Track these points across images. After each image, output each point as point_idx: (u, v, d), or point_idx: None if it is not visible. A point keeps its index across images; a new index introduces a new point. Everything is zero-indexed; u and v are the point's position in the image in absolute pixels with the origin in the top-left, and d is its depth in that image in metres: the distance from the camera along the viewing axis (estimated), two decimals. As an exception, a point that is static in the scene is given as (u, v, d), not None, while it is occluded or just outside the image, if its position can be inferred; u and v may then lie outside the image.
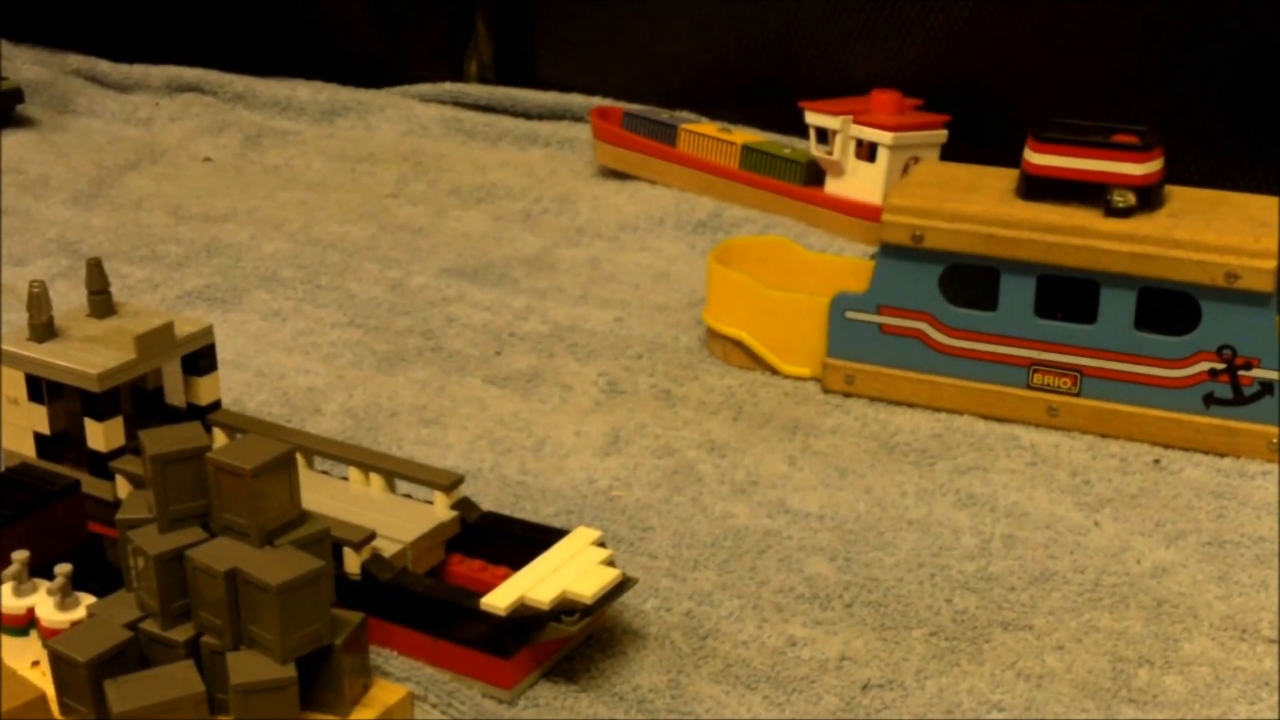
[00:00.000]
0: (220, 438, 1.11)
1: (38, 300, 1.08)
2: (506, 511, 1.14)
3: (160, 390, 1.12)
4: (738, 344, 1.42)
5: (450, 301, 1.57)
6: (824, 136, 1.70)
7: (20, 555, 0.93)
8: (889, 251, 1.32)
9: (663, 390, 1.39)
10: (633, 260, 1.69)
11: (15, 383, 1.08)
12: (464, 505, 1.06)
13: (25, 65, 2.36)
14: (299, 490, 0.87)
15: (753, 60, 2.00)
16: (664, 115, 1.90)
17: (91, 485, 1.06)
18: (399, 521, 1.04)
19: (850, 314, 1.36)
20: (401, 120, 2.11)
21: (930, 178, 1.37)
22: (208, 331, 1.12)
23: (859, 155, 1.69)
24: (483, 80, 2.17)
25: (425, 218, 1.81)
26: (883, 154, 1.66)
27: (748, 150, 1.78)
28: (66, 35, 2.41)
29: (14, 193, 1.90)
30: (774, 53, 1.97)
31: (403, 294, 1.59)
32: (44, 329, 1.08)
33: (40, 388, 1.07)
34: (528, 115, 2.08)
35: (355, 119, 2.13)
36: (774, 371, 1.42)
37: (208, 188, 1.92)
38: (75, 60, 2.37)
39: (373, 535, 0.99)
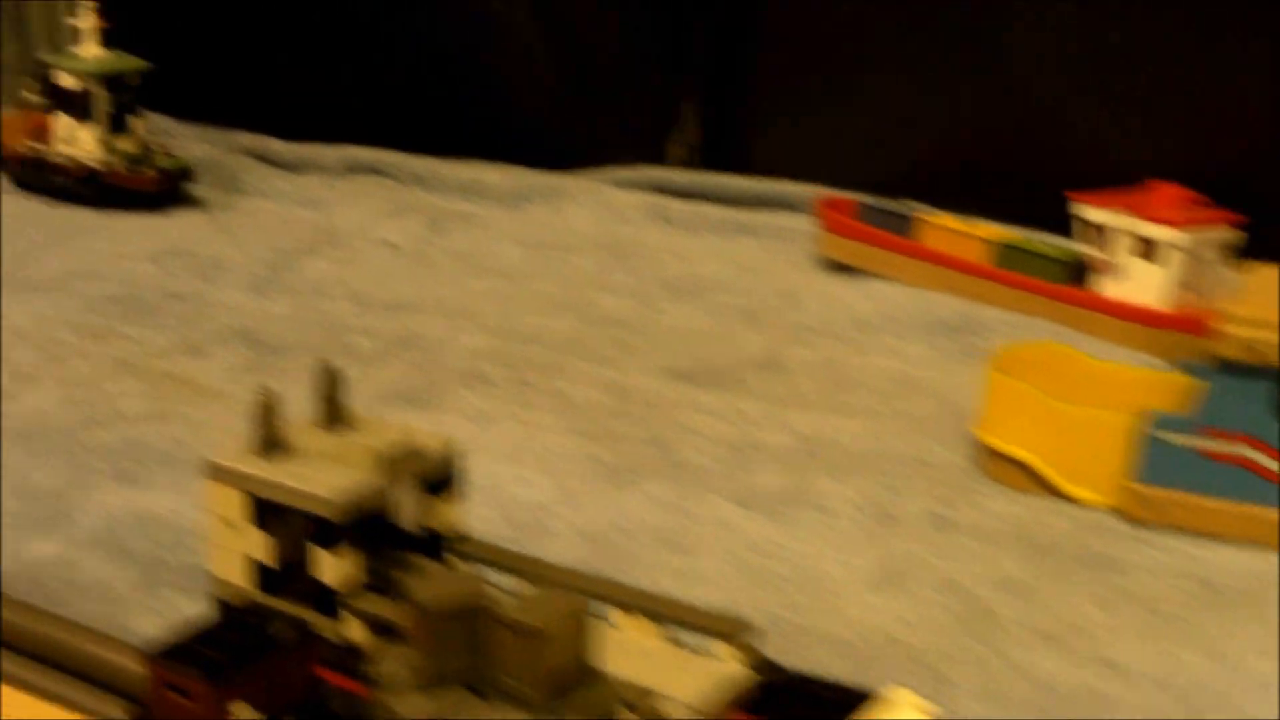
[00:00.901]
0: (461, 566, 0.96)
1: (267, 411, 0.94)
2: (773, 655, 0.97)
3: (396, 516, 0.97)
4: (1019, 464, 1.25)
5: (677, 406, 1.42)
6: (1093, 233, 1.54)
7: (242, 712, 0.79)
8: (1221, 367, 1.15)
9: (936, 515, 1.23)
10: (874, 364, 1.53)
11: (232, 503, 0.94)
12: (756, 658, 0.89)
13: (192, 143, 2.28)
14: (588, 649, 0.73)
15: (991, 147, 1.86)
16: (899, 206, 1.74)
17: (318, 624, 0.90)
18: (680, 677, 0.87)
19: (1164, 435, 1.19)
20: (597, 206, 1.98)
21: (1268, 285, 1.20)
22: (453, 449, 0.97)
23: (1136, 254, 1.52)
24: (687, 165, 2.03)
25: (634, 312, 1.67)
26: (1170, 254, 1.49)
27: (1003, 246, 1.62)
28: (235, 113, 2.32)
29: (186, 276, 1.79)
30: (1017, 139, 1.82)
31: (622, 397, 1.44)
32: (271, 443, 0.94)
33: (263, 510, 0.92)
34: (738, 203, 1.94)
35: (546, 204, 2.01)
36: (1061, 496, 1.24)
37: (392, 274, 1.80)
38: (244, 139, 2.29)
39: (651, 694, 0.83)
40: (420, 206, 2.04)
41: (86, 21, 2.12)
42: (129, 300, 1.73)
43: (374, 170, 2.16)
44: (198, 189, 2.14)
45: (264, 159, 2.26)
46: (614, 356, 1.56)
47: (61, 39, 2.55)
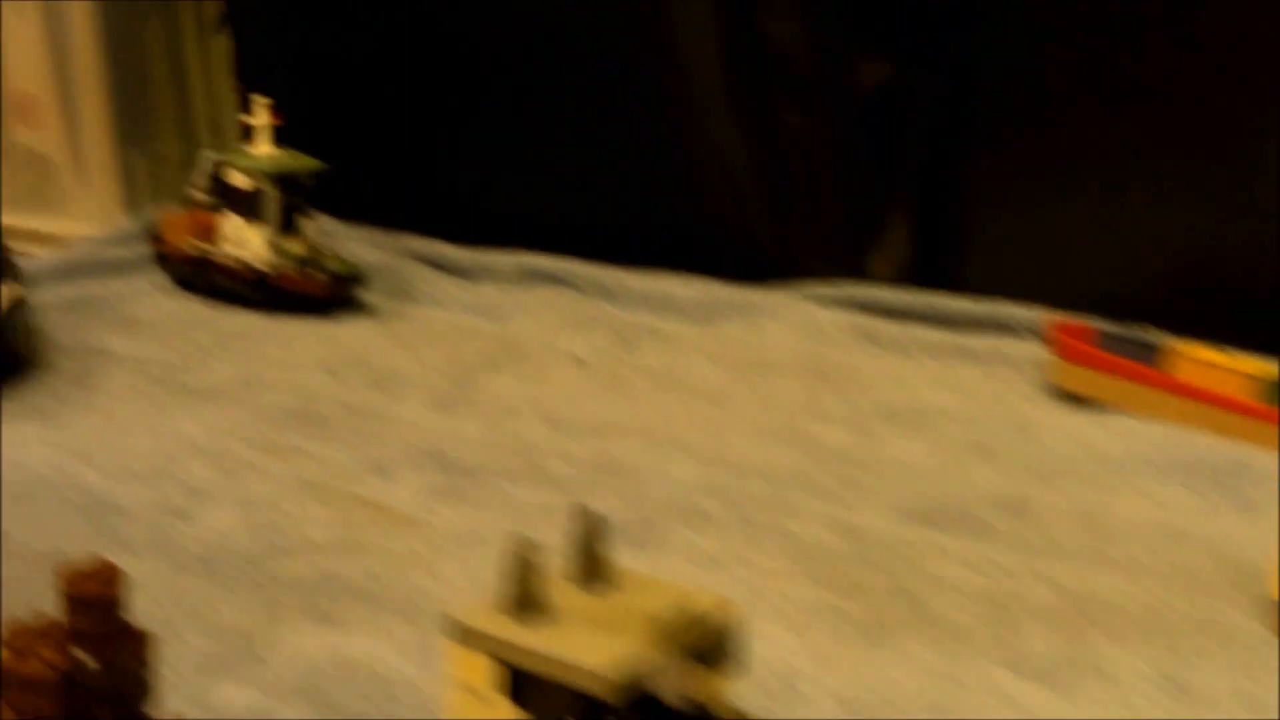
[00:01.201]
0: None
1: (523, 565, 0.81)
2: None
3: (666, 689, 0.84)
4: (1335, 637, 1.09)
5: (921, 554, 1.28)
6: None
7: None
8: None
9: (1245, 695, 1.07)
10: (1134, 512, 1.38)
11: (480, 670, 0.81)
12: None
13: (357, 246, 2.19)
14: None
15: (1236, 267, 1.70)
16: (1144, 334, 1.60)
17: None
18: None
19: None
20: (797, 324, 1.85)
21: None
22: (733, 616, 0.84)
23: None
24: (894, 282, 1.90)
25: (854, 443, 1.54)
26: None
27: (1273, 383, 1.47)
28: (402, 215, 2.23)
29: (363, 389, 1.69)
30: (1266, 259, 1.66)
31: (858, 541, 1.31)
32: (526, 602, 0.81)
33: (519, 681, 0.79)
34: (953, 324, 1.80)
35: (741, 320, 1.88)
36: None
37: (583, 393, 1.69)
38: (413, 243, 2.20)
39: None
40: (605, 319, 1.92)
41: (260, 118, 2.05)
42: (305, 414, 1.63)
43: (553, 279, 2.05)
44: (366, 295, 2.05)
45: (435, 264, 2.16)
46: (840, 493, 1.42)
47: (225, 136, 2.50)
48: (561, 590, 0.86)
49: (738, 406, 1.66)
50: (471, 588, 1.22)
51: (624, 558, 1.27)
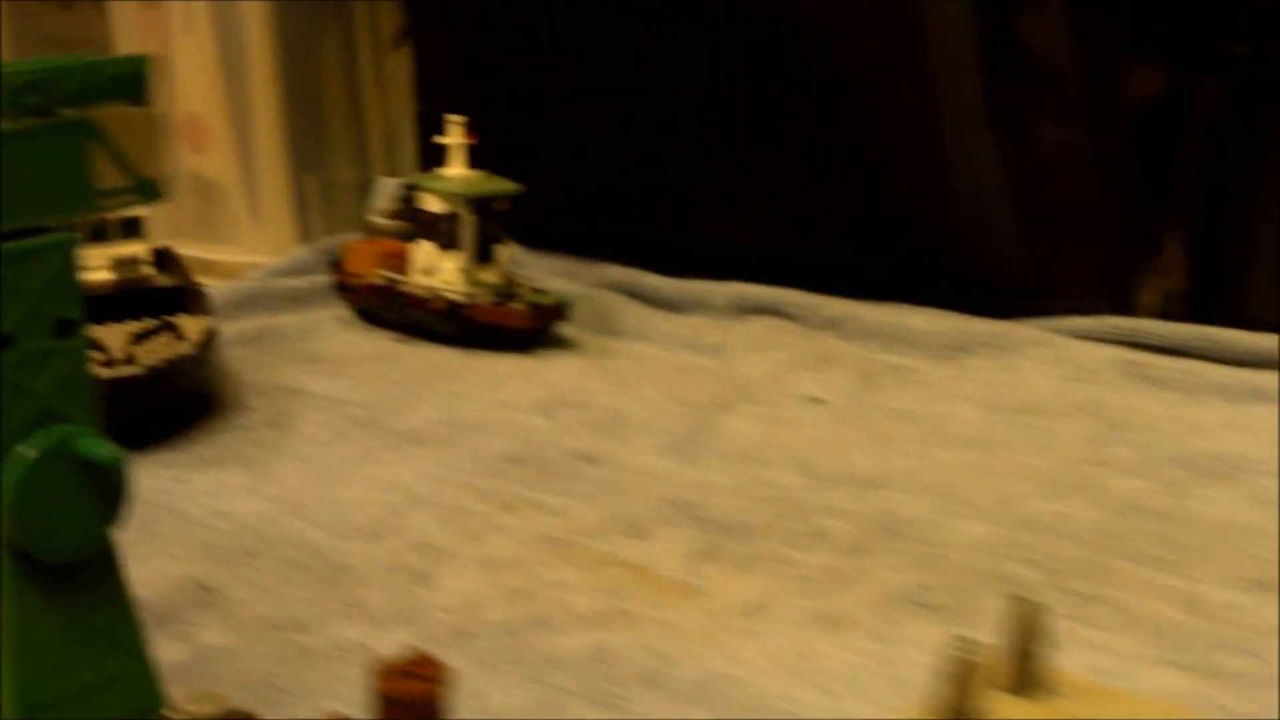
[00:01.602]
0: None
1: (964, 672, 0.65)
2: None
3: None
4: None
5: (1285, 632, 1.09)
6: None
7: None
8: None
9: None
10: None
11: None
12: None
13: (551, 276, 2.04)
14: None
15: None
16: None
17: None
18: None
19: None
20: (1056, 361, 1.68)
21: None
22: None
23: None
24: (1164, 314, 1.72)
25: (1159, 498, 1.36)
26: None
27: None
28: (598, 243, 2.08)
29: (586, 433, 1.54)
30: None
31: (1208, 616, 1.14)
32: (963, 712, 0.65)
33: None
34: (1240, 362, 1.61)
35: (990, 357, 1.71)
36: None
37: (831, 437, 1.52)
38: (613, 272, 2.05)
39: None
40: (839, 356, 1.76)
41: (454, 138, 1.91)
42: (531, 461, 1.48)
43: (772, 311, 1.89)
44: (565, 328, 1.90)
45: (637, 295, 2.01)
46: (1166, 558, 1.24)
47: (400, 158, 2.37)
48: (998, 701, 0.70)
49: (1012, 454, 1.48)
50: (773, 667, 1.06)
51: (932, 630, 1.11)
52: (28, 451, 0.82)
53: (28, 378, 0.82)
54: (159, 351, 1.57)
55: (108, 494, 0.85)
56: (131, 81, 0.86)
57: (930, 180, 1.77)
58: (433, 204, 1.91)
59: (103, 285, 1.78)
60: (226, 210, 2.29)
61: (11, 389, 0.82)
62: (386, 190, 2.26)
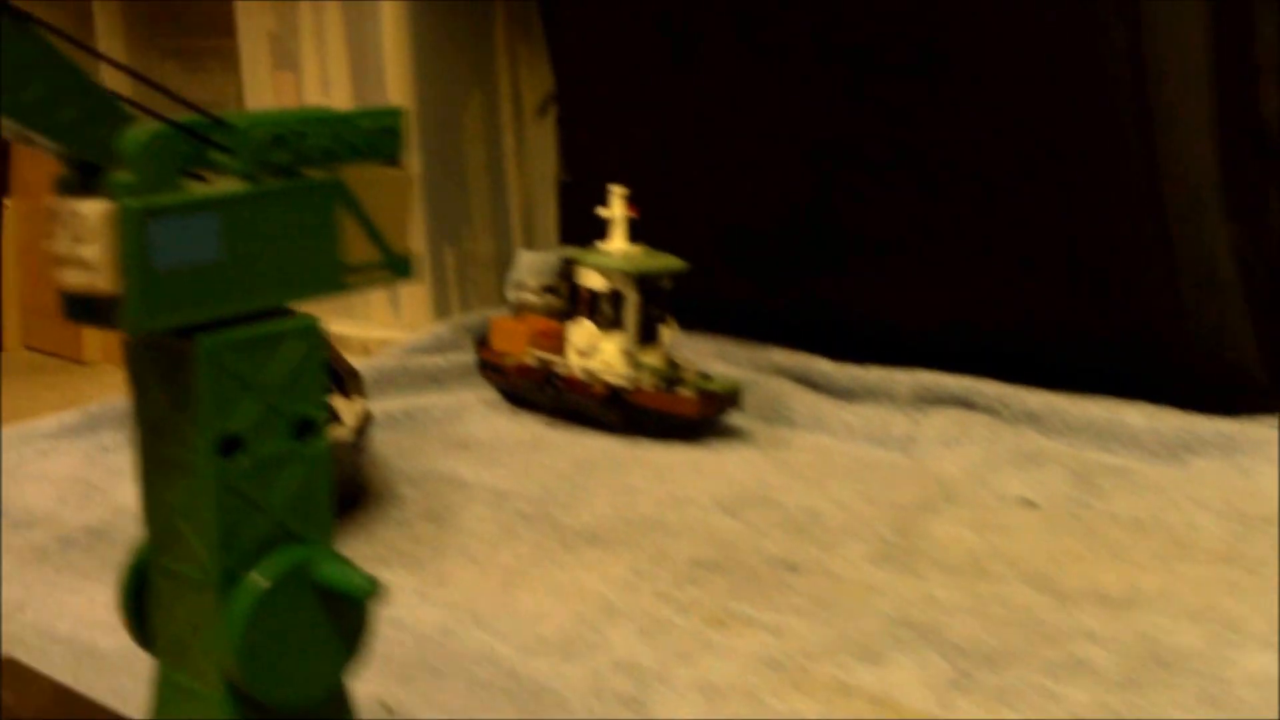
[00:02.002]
0: None
1: None
2: None
3: None
4: None
5: None
6: None
7: None
8: None
9: None
10: None
11: None
12: None
13: (709, 360, 1.90)
14: None
15: None
16: None
17: None
18: None
19: None
20: (1297, 464, 1.51)
21: None
22: None
23: None
24: None
25: None
26: None
27: None
28: (760, 325, 1.94)
29: (782, 535, 1.39)
30: None
31: None
32: None
33: None
34: None
35: (1220, 458, 1.55)
36: None
37: (1056, 547, 1.37)
38: (777, 356, 1.91)
39: None
40: (1045, 454, 1.60)
41: (616, 211, 1.78)
42: (729, 567, 1.34)
43: (963, 403, 1.74)
44: (732, 416, 1.76)
45: (806, 382, 1.86)
46: None
47: (540, 232, 2.25)
48: None
49: (1268, 569, 1.32)
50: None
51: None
52: (259, 579, 0.68)
53: (259, 488, 0.69)
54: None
55: (349, 629, 0.71)
56: (386, 138, 0.73)
57: (1153, 262, 1.62)
58: (592, 280, 1.78)
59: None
60: (359, 282, 2.17)
61: (240, 502, 0.68)
62: (528, 265, 2.13)
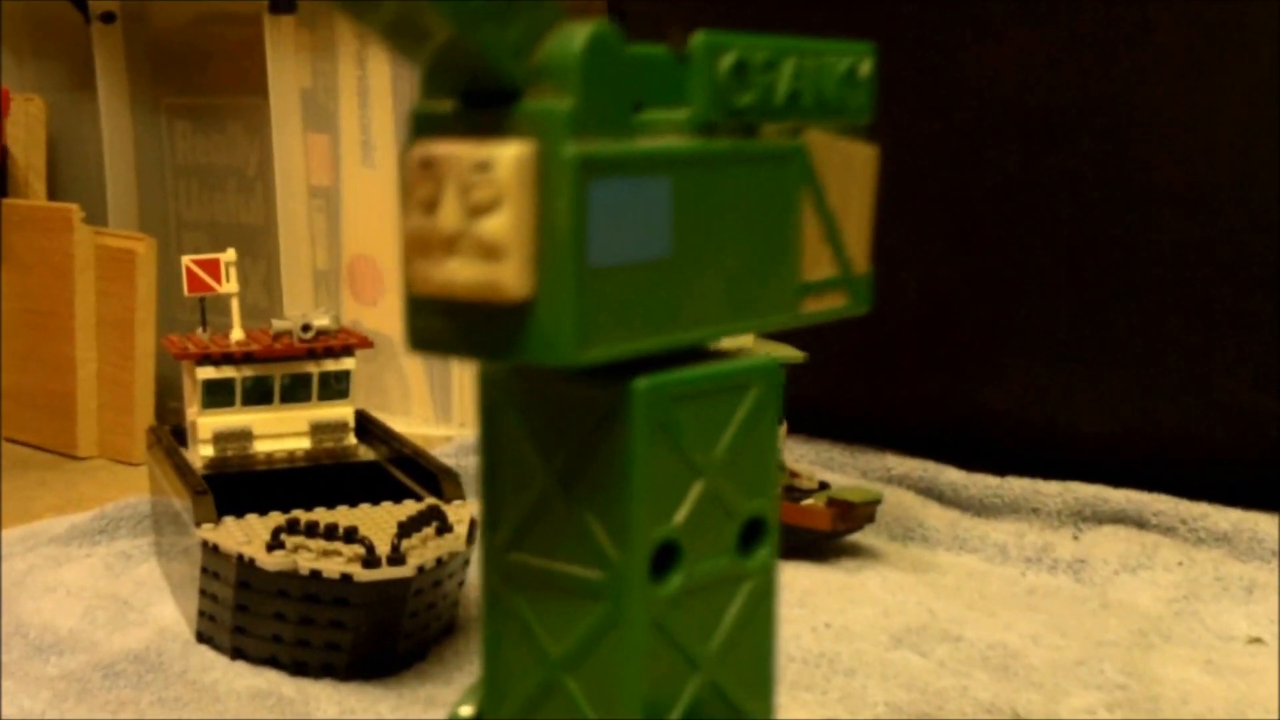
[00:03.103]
0: None
1: None
2: None
3: None
4: None
5: None
6: None
7: None
8: None
9: None
10: None
11: None
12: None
13: (815, 467, 1.65)
14: None
15: None
16: None
17: None
18: None
19: None
20: None
21: None
22: None
23: None
24: None
25: None
26: None
27: None
28: (872, 428, 1.70)
29: (987, 677, 1.15)
30: None
31: None
32: None
33: None
34: None
35: None
36: None
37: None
38: (895, 463, 1.66)
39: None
40: (1248, 580, 1.37)
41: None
42: (942, 716, 1.07)
43: (1132, 520, 1.50)
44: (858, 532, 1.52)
45: (933, 494, 1.62)
46: None
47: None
48: None
49: None
50: None
51: None
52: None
53: (693, 628, 0.43)
54: (430, 546, 1.17)
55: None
56: (854, 88, 0.48)
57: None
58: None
59: (301, 456, 1.40)
60: (397, 372, 1.90)
61: (669, 649, 0.42)
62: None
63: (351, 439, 1.44)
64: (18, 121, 2.14)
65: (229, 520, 1.23)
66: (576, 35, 0.39)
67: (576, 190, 0.38)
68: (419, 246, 0.39)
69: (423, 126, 0.41)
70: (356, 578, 1.12)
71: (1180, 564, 1.41)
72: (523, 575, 0.44)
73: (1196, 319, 1.52)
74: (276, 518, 1.23)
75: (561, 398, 0.42)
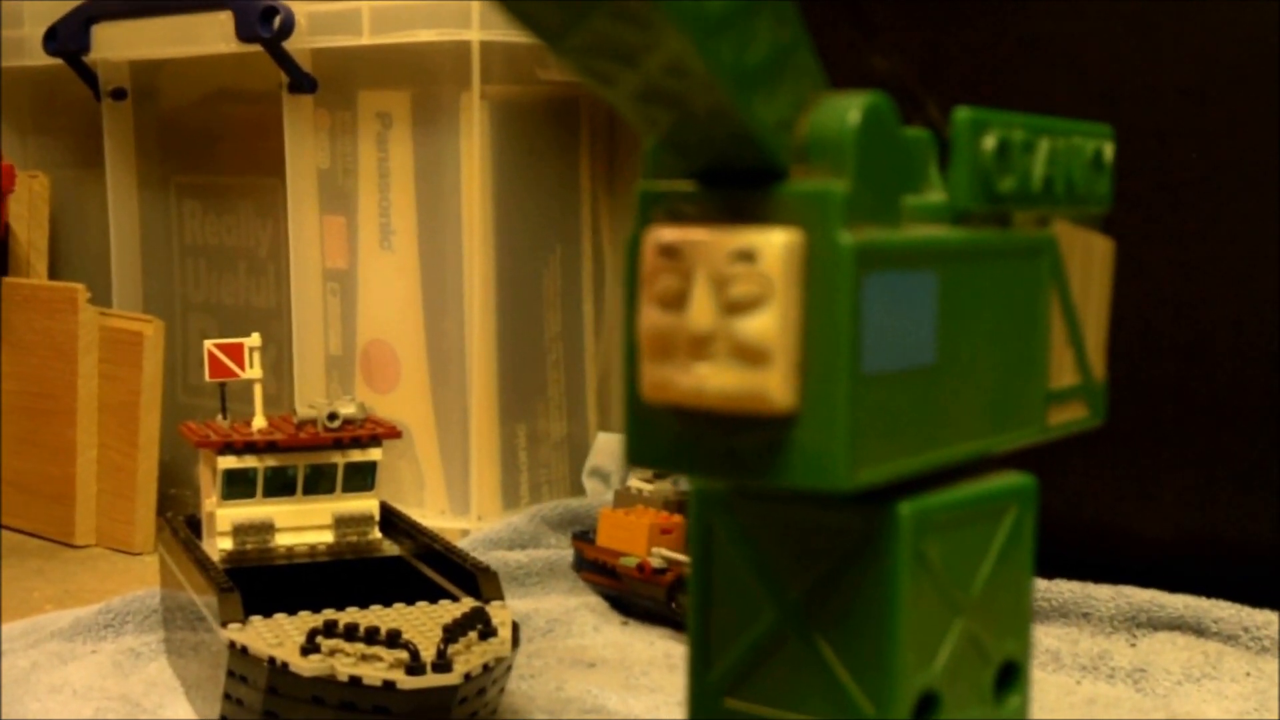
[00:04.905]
0: None
1: None
2: None
3: None
4: None
5: None
6: None
7: None
8: None
9: None
10: None
11: None
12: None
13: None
14: None
15: None
16: None
17: None
18: None
19: None
20: None
21: None
22: None
23: None
24: None
25: None
26: None
27: None
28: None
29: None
30: None
31: None
32: None
33: None
34: None
35: None
36: None
37: None
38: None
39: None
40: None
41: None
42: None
43: (1185, 627, 1.44)
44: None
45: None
46: None
47: (615, 413, 1.94)
48: None
49: None
50: None
51: None
52: None
53: None
54: (475, 651, 1.10)
55: None
56: (1101, 175, 0.43)
57: None
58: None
59: (324, 551, 1.33)
60: (411, 461, 1.83)
61: None
62: (606, 448, 1.82)
63: (376, 533, 1.37)
64: (20, 199, 2.08)
65: (256, 620, 1.16)
66: (850, 109, 0.34)
67: (854, 284, 0.32)
68: (660, 347, 0.34)
69: (656, 209, 0.35)
70: (400, 685, 1.05)
71: (1248, 675, 1.35)
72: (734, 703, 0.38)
73: (1255, 420, 1.47)
74: (308, 618, 1.16)
75: (802, 523, 0.36)
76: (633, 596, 1.54)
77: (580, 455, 1.90)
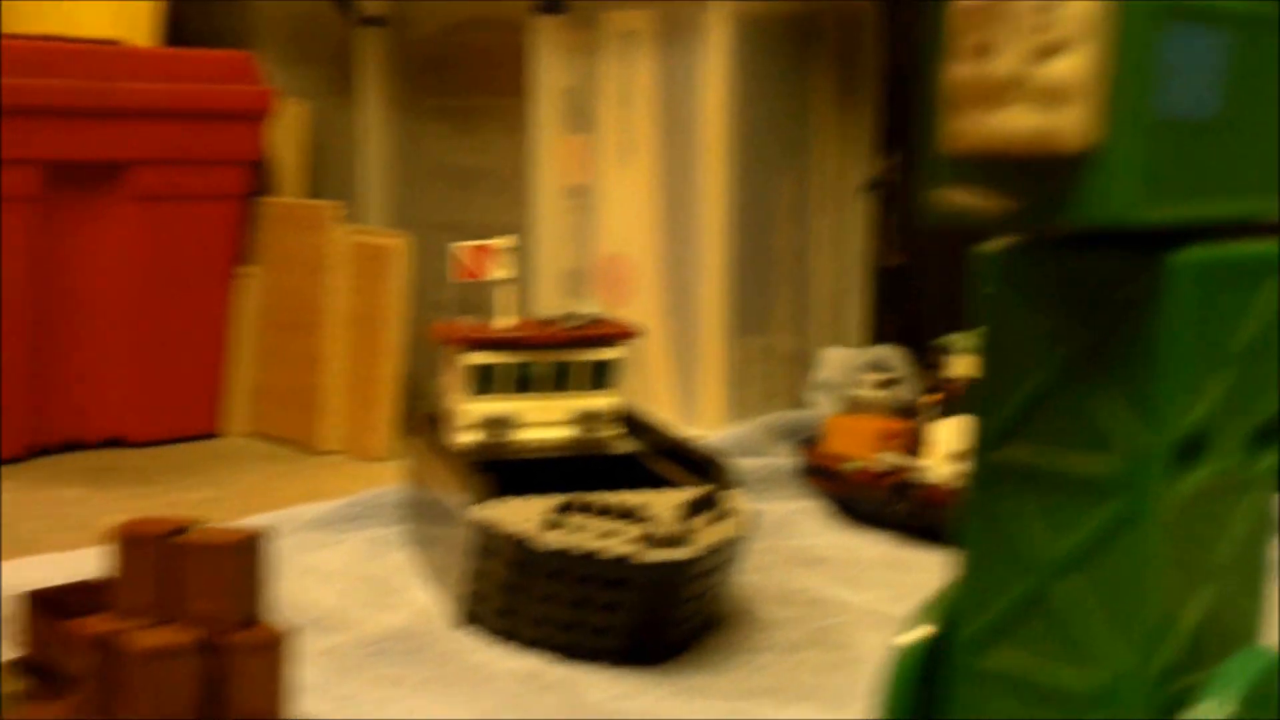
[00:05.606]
0: None
1: None
2: None
3: None
4: None
5: None
6: None
7: None
8: None
9: None
10: None
11: None
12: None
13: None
14: None
15: None
16: None
17: None
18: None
19: None
20: None
21: None
22: None
23: None
24: None
25: None
26: None
27: None
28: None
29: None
30: None
31: None
32: None
33: None
34: None
35: None
36: None
37: None
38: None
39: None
40: None
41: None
42: None
43: None
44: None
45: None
46: None
47: (847, 329, 1.94)
48: None
49: None
50: None
51: None
52: (1218, 707, 0.35)
53: (1209, 534, 0.36)
54: (711, 530, 1.12)
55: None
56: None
57: None
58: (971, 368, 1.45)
59: (560, 445, 1.36)
60: (641, 370, 1.86)
61: (1187, 556, 0.36)
62: (835, 362, 1.82)
63: (616, 429, 1.40)
64: (283, 125, 2.16)
65: (501, 501, 1.20)
66: None
67: (1153, 32, 0.33)
68: (968, 95, 0.35)
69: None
70: (637, 558, 1.07)
71: None
72: (1013, 473, 0.39)
73: None
74: (552, 499, 1.19)
75: (1082, 274, 0.37)
76: (856, 499, 1.54)
77: (806, 370, 1.90)
